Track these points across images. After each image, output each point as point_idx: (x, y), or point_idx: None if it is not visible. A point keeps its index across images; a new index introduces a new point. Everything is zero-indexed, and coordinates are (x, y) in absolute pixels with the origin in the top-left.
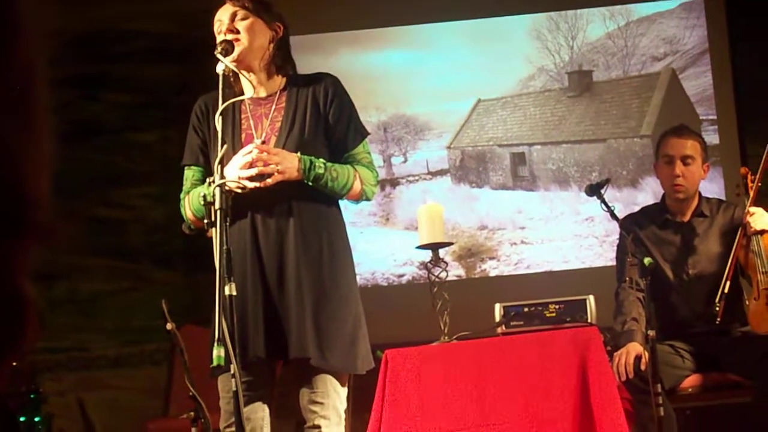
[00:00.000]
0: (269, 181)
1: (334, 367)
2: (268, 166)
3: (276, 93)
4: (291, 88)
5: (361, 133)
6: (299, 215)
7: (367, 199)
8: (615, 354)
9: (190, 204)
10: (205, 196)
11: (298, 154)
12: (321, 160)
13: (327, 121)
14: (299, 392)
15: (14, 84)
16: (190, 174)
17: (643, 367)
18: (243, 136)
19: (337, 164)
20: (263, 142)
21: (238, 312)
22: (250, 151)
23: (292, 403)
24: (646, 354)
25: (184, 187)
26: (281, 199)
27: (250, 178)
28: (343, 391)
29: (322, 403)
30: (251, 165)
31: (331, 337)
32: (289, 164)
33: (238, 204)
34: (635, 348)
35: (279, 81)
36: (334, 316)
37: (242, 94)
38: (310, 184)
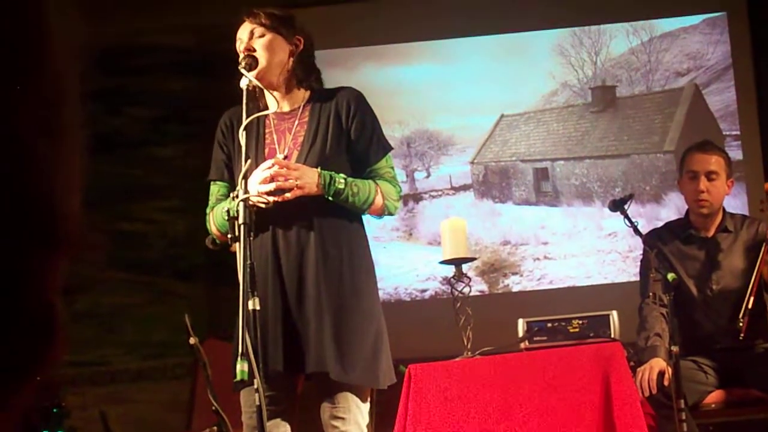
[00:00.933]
0: (288, 195)
1: (354, 381)
2: (287, 181)
3: (299, 107)
4: (314, 102)
5: (384, 148)
6: (320, 230)
7: (390, 214)
8: (638, 369)
9: (214, 219)
10: (228, 211)
11: (318, 169)
12: (342, 175)
13: (349, 136)
14: (321, 407)
15: (45, 97)
16: (215, 189)
17: (666, 383)
18: (266, 150)
19: (358, 179)
20: (285, 157)
21: (259, 326)
22: (270, 166)
23: (314, 418)
24: (670, 369)
25: (209, 203)
26: (302, 214)
27: (270, 193)
28: (365, 406)
29: (343, 418)
30: (271, 180)
31: (351, 351)
32: (308, 179)
33: (259, 218)
34: (659, 363)
35: (302, 95)
36: (354, 330)
37: (266, 108)
38: (331, 198)
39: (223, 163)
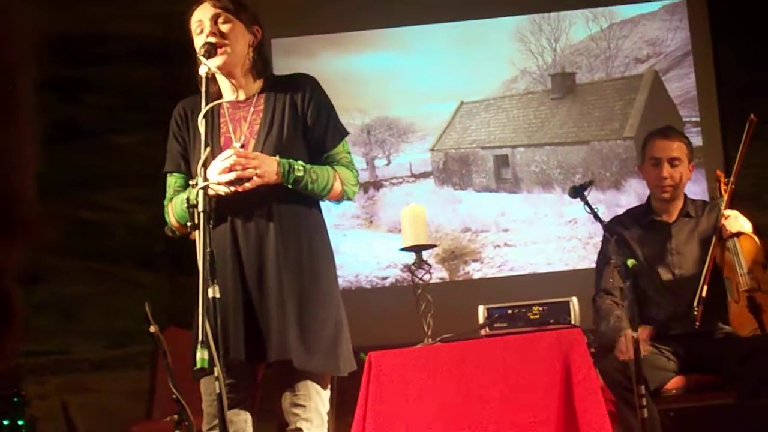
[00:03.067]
0: (248, 185)
1: (315, 368)
2: (246, 170)
3: (254, 96)
4: (269, 90)
5: (341, 133)
6: (279, 218)
7: (348, 199)
8: (615, 350)
9: (173, 210)
10: (188, 199)
11: (277, 157)
12: (300, 162)
13: (305, 122)
14: (282, 395)
15: None
16: (172, 181)
17: (641, 349)
18: (222, 139)
19: (316, 165)
20: (242, 146)
21: (219, 315)
22: (229, 156)
23: (274, 406)
24: (644, 333)
25: (167, 194)
26: (261, 203)
27: (229, 183)
28: (326, 394)
29: (304, 406)
30: (230, 170)
31: (312, 339)
32: (267, 168)
33: (218, 208)
34: (630, 333)
35: (257, 84)
36: (315, 318)
37: (220, 96)
38: (290, 186)
39: (178, 154)
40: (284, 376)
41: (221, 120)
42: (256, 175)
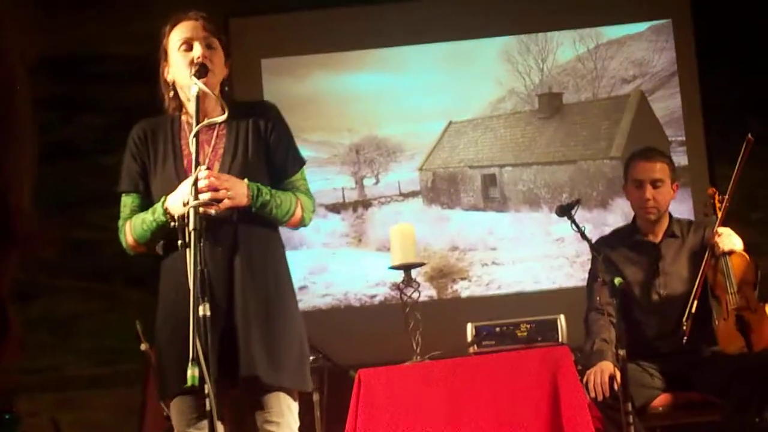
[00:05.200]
0: (220, 206)
1: (284, 384)
2: (219, 192)
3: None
4: (231, 115)
5: (300, 161)
6: (245, 241)
7: (304, 226)
8: (588, 372)
9: (132, 230)
10: (183, 217)
11: (246, 180)
12: (267, 187)
13: (268, 148)
14: (253, 413)
15: None
16: (129, 201)
17: (616, 387)
18: (185, 161)
19: (279, 191)
20: (207, 168)
21: (184, 337)
22: (204, 177)
23: (247, 426)
24: (618, 373)
25: (122, 214)
26: (227, 225)
27: (203, 204)
28: (295, 408)
29: (278, 422)
30: (205, 190)
31: (280, 355)
32: (239, 190)
33: (180, 232)
34: (608, 367)
35: (221, 107)
36: (282, 335)
37: (181, 117)
38: (255, 210)
39: (137, 175)
40: (255, 394)
41: (183, 142)
42: (228, 197)
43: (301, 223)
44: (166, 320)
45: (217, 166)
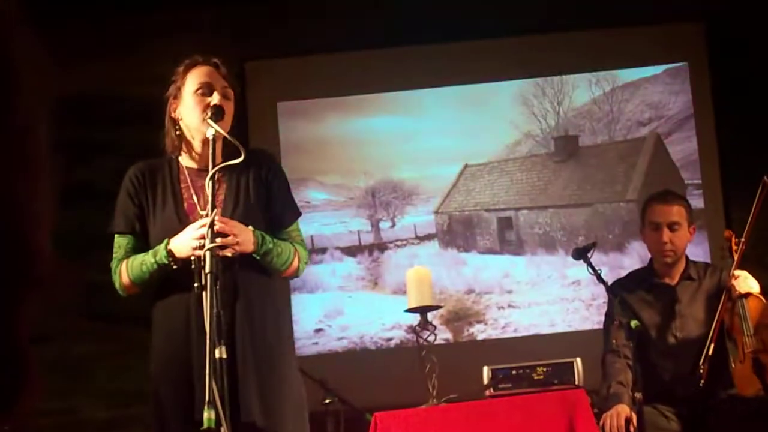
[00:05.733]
0: (227, 252)
1: (283, 431)
2: (227, 238)
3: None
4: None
5: (296, 212)
6: (245, 287)
7: (297, 277)
8: (604, 415)
9: (128, 271)
10: (199, 259)
11: (251, 227)
12: (269, 235)
13: (268, 196)
14: None
15: (16, 138)
16: (123, 242)
17: (632, 430)
18: (185, 205)
19: (279, 240)
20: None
21: (185, 380)
22: (205, 224)
23: None
24: (634, 416)
25: (115, 255)
26: (227, 272)
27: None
28: None
29: None
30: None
31: (280, 402)
32: (246, 237)
33: (178, 276)
34: (624, 410)
35: (220, 156)
36: (281, 383)
37: (178, 160)
38: (257, 257)
39: (134, 216)
40: None
41: (182, 186)
42: (236, 243)
43: (295, 274)
44: (167, 364)
45: (218, 211)
